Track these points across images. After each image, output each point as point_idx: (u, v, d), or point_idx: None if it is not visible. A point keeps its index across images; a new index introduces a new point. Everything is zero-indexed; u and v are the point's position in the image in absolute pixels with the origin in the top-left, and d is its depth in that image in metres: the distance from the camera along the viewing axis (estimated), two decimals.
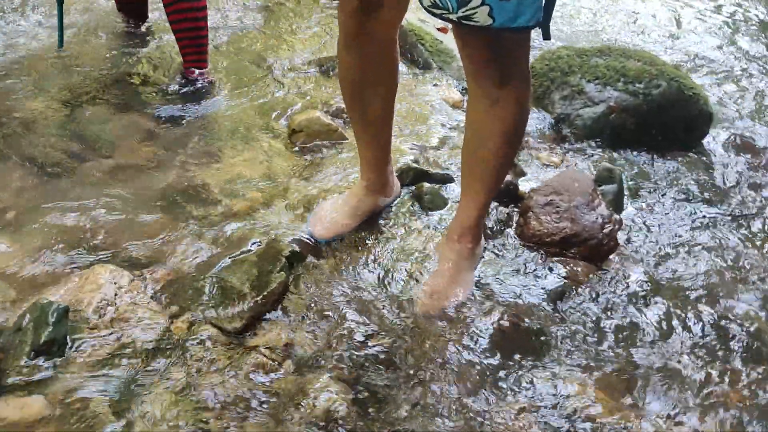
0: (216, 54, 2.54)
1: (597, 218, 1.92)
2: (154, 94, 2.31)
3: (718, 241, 2.08)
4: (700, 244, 2.04)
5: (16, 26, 2.47)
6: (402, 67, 2.56)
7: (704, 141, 2.58)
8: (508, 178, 2.03)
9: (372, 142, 1.80)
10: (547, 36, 1.40)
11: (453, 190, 2.04)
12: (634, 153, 2.45)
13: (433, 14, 1.40)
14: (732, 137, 2.67)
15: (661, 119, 2.44)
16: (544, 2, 1.38)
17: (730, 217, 2.20)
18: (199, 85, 2.34)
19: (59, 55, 2.37)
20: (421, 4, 1.41)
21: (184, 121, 2.20)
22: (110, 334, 1.40)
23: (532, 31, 1.43)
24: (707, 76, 3.17)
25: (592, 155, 2.37)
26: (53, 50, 2.39)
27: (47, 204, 1.77)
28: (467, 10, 1.32)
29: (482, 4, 1.31)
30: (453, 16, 1.35)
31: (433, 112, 2.42)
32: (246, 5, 3.03)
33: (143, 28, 2.55)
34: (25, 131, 2.04)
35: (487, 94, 1.51)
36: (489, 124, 1.55)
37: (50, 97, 2.20)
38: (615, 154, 2.41)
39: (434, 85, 2.57)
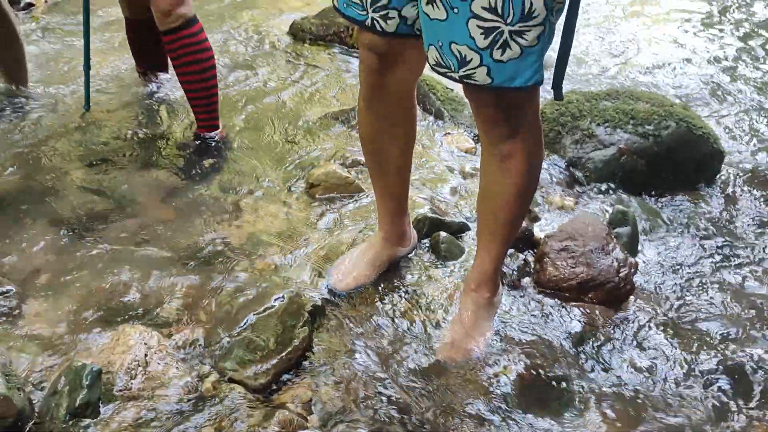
0: (233, 108, 2.63)
1: (612, 262, 1.95)
2: (175, 153, 2.39)
3: (736, 281, 2.10)
4: (717, 285, 2.06)
5: (45, 91, 2.58)
6: None
7: (717, 179, 2.61)
8: (524, 224, 2.07)
9: (389, 193, 1.86)
10: (559, 96, 1.45)
11: (469, 238, 2.08)
12: (648, 194, 2.48)
13: (438, 72, 1.47)
14: (746, 174, 2.69)
15: (672, 160, 2.48)
16: (555, 63, 1.43)
17: (747, 256, 2.22)
18: (215, 143, 2.42)
19: (85, 118, 2.46)
20: (428, 62, 1.48)
21: (205, 178, 2.28)
22: (142, 395, 1.45)
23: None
24: (718, 110, 3.21)
25: (606, 198, 2.41)
26: (80, 113, 2.49)
27: (77, 265, 1.83)
28: (467, 70, 1.40)
29: (480, 64, 1.38)
30: (455, 75, 1.43)
31: (446, 160, 2.48)
32: (261, 59, 3.15)
33: (163, 91, 2.64)
34: (54, 192, 2.12)
35: (498, 149, 1.56)
36: (500, 178, 1.60)
37: (78, 158, 2.29)
38: (628, 196, 2.44)
39: (446, 134, 2.63)
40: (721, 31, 4.09)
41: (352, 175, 2.27)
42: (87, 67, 2.46)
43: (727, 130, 2.99)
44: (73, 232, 1.97)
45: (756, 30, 4.12)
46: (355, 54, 3.12)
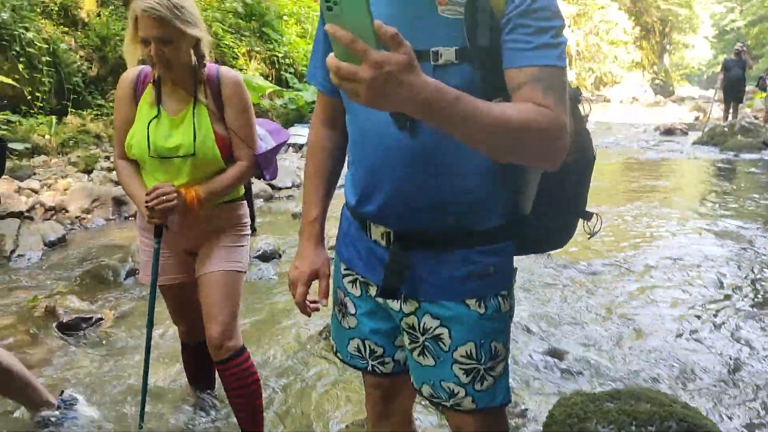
0: (269, 414, 2.91)
1: None
2: None
3: None
4: None
5: (104, 410, 2.92)
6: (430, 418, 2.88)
7: None
8: None
9: None
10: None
11: None
12: None
13: (432, 403, 1.79)
14: None
15: None
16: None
17: None
18: None
19: None
20: (421, 394, 1.79)
21: None
22: None
23: None
24: (723, 398, 3.36)
25: None
26: (134, 429, 2.79)
27: None
28: (456, 400, 1.73)
29: (466, 395, 1.72)
30: (447, 404, 1.74)
31: None
32: (296, 361, 3.51)
33: (211, 403, 2.97)
34: None
35: None
36: None
37: None
38: None
39: None
40: (726, 312, 4.41)
41: None
42: (144, 388, 2.74)
43: (733, 420, 3.13)
44: None
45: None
46: None
